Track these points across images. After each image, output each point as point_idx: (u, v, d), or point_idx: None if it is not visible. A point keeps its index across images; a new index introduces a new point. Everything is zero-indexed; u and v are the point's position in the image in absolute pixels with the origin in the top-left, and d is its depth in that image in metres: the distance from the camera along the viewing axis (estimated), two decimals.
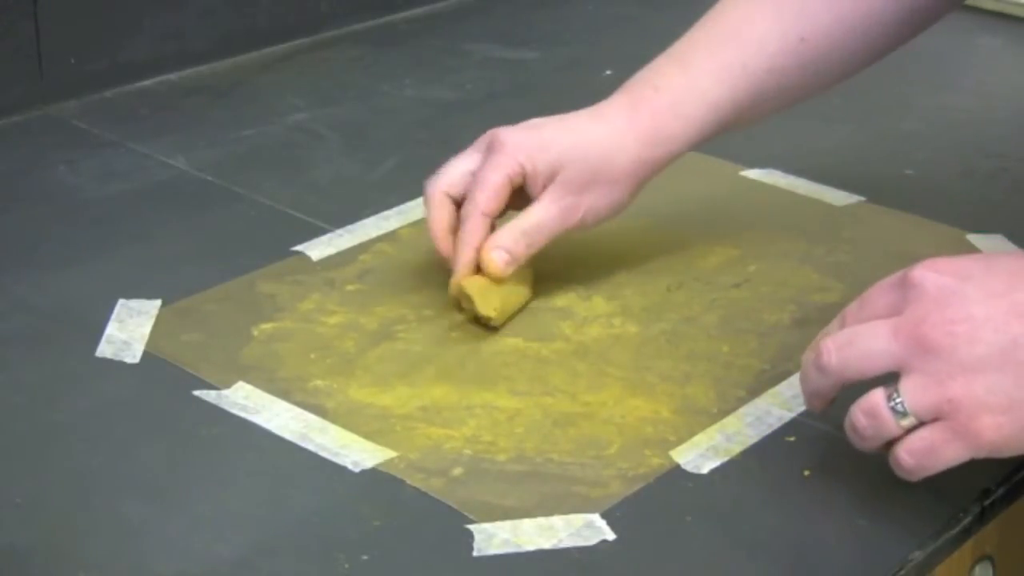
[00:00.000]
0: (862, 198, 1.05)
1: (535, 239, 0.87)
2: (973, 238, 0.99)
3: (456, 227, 0.88)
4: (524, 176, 0.87)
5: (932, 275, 0.69)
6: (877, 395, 0.69)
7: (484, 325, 0.87)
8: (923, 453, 0.68)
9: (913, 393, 0.68)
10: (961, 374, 0.67)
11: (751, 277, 0.95)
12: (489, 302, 0.86)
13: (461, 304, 0.88)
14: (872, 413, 0.69)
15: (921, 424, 0.68)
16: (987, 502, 0.75)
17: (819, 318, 0.90)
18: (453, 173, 0.89)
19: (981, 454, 0.68)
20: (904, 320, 0.69)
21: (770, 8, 0.90)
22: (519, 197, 0.89)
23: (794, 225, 1.01)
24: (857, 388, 0.71)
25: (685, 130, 0.90)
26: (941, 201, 1.05)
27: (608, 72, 1.27)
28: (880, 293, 0.71)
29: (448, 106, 1.21)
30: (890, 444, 0.70)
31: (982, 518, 0.75)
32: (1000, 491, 0.76)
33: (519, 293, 0.89)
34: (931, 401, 0.68)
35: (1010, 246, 0.98)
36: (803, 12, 0.90)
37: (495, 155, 0.87)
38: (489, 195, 0.87)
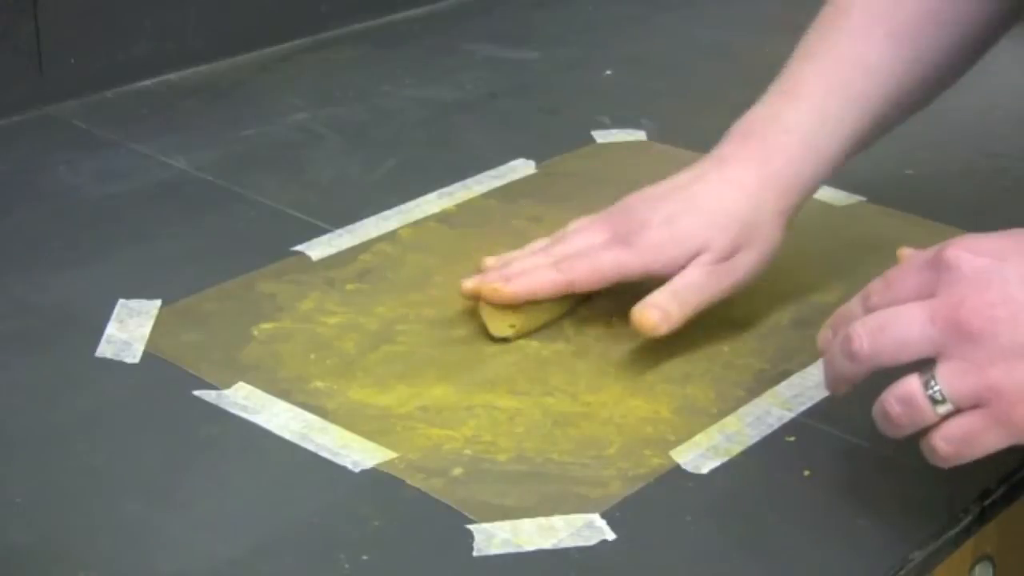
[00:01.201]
0: (862, 198, 1.05)
1: (685, 298, 0.84)
2: None
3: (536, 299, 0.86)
4: (648, 275, 0.85)
5: (968, 255, 0.67)
6: (913, 382, 0.67)
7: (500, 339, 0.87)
8: (961, 441, 0.66)
9: (952, 380, 0.66)
10: (1002, 360, 0.65)
11: None
12: (503, 320, 0.86)
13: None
14: (907, 401, 0.67)
15: (958, 410, 0.66)
16: (987, 502, 0.75)
17: (819, 318, 0.89)
18: (574, 247, 0.86)
19: (1022, 440, 0.66)
20: (941, 304, 0.66)
21: (883, 34, 0.88)
22: None
23: (794, 225, 1.01)
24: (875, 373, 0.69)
25: (820, 168, 0.87)
26: (941, 201, 1.05)
27: (608, 72, 1.28)
28: (910, 273, 0.69)
29: (448, 106, 1.21)
30: (923, 430, 0.68)
31: (982, 518, 0.75)
32: (1000, 491, 0.76)
33: (541, 311, 0.88)
34: (971, 388, 0.65)
35: None
36: (918, 33, 0.88)
37: (622, 247, 0.85)
38: (591, 275, 0.85)
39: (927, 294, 0.67)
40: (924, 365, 0.67)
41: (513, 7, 1.44)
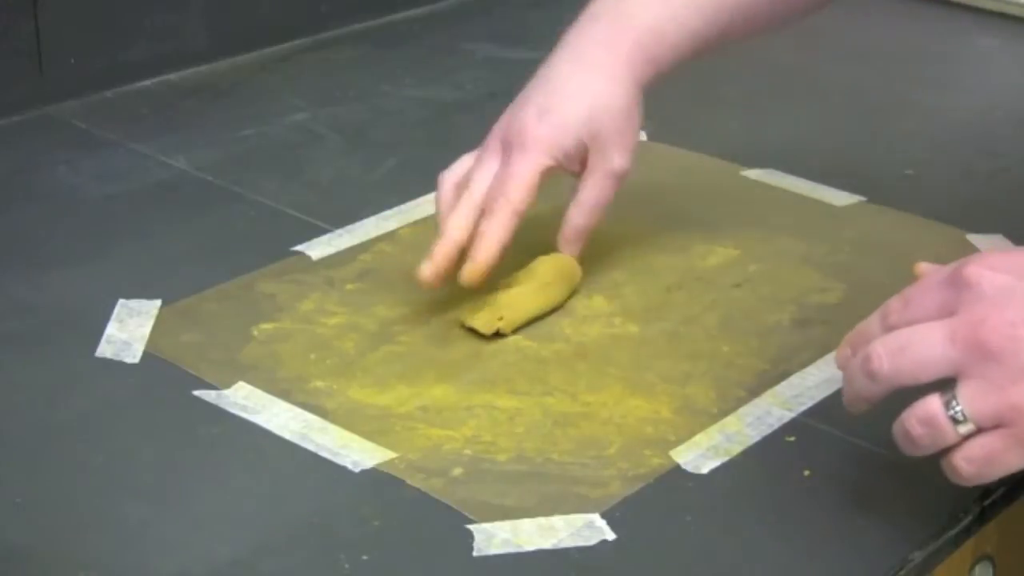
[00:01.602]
0: (862, 198, 1.05)
1: (599, 214, 0.90)
2: (973, 238, 0.99)
3: (465, 241, 0.87)
4: (560, 166, 0.88)
5: (988, 273, 0.66)
6: (934, 403, 0.66)
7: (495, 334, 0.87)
8: (983, 461, 0.66)
9: (973, 400, 0.65)
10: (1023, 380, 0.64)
11: (751, 277, 0.95)
12: (491, 315, 0.86)
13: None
14: (929, 422, 0.66)
15: (979, 430, 0.66)
16: (987, 502, 0.75)
17: (819, 318, 0.90)
18: (488, 181, 0.88)
19: None
20: (961, 323, 0.66)
21: None
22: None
23: (794, 225, 1.01)
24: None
25: (666, 54, 0.90)
26: (941, 201, 1.05)
27: None
28: (929, 291, 0.68)
29: (448, 106, 1.21)
30: (944, 450, 0.67)
31: (982, 518, 0.75)
32: (1000, 491, 0.76)
33: (523, 299, 0.88)
34: (993, 408, 0.65)
35: (1010, 246, 0.98)
36: None
37: (522, 152, 0.87)
38: (523, 194, 0.87)
39: (947, 313, 0.67)
40: (945, 385, 0.67)
41: (513, 7, 1.44)
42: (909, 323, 0.68)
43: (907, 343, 0.67)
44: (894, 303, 0.69)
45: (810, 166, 1.09)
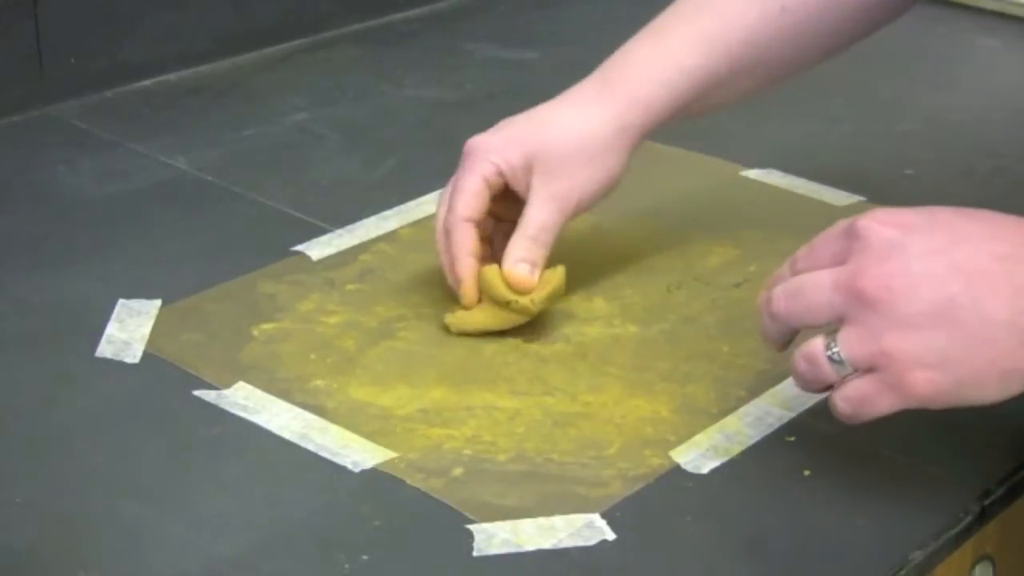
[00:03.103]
0: (862, 198, 1.05)
1: (544, 240, 0.87)
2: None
3: (477, 250, 0.87)
4: (502, 175, 0.87)
5: (876, 226, 0.70)
6: (817, 343, 0.70)
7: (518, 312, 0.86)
8: (857, 401, 0.70)
9: (849, 344, 0.69)
10: (896, 329, 0.68)
11: (751, 277, 0.95)
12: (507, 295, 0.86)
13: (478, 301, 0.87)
14: (811, 360, 0.71)
15: (857, 373, 0.69)
16: (987, 502, 0.75)
17: None
18: (445, 192, 0.88)
19: (913, 406, 0.69)
20: (845, 272, 0.69)
21: None
22: (507, 202, 0.88)
23: (794, 225, 1.01)
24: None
25: (659, 95, 0.89)
26: (941, 201, 1.04)
27: None
28: (828, 241, 0.72)
29: (448, 106, 1.21)
30: (831, 388, 0.71)
31: (982, 518, 0.75)
32: (1000, 491, 0.76)
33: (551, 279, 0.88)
34: (866, 353, 0.69)
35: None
36: (806, 2, 0.90)
37: (467, 161, 0.87)
38: (468, 200, 0.86)
39: (839, 262, 0.71)
40: (833, 328, 0.70)
41: (513, 7, 1.44)
42: (810, 270, 0.72)
43: (800, 288, 0.72)
44: (802, 251, 0.74)
45: (810, 166, 1.09)
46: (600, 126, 0.88)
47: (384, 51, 1.32)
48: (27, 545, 0.70)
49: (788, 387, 0.83)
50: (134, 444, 0.77)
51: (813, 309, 0.71)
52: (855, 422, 0.71)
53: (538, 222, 0.87)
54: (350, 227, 0.99)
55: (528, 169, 0.87)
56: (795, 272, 0.73)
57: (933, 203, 1.03)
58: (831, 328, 0.70)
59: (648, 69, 0.89)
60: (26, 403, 0.81)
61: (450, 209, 0.87)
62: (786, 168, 1.09)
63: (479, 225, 0.87)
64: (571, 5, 1.44)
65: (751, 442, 0.78)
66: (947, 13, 1.31)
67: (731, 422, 0.80)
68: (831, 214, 1.03)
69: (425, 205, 1.02)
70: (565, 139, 0.87)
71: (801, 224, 1.01)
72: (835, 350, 0.70)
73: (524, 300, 0.85)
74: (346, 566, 0.69)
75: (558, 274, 0.87)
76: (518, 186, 0.87)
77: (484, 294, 0.86)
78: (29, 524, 0.71)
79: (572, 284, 0.92)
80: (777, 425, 0.80)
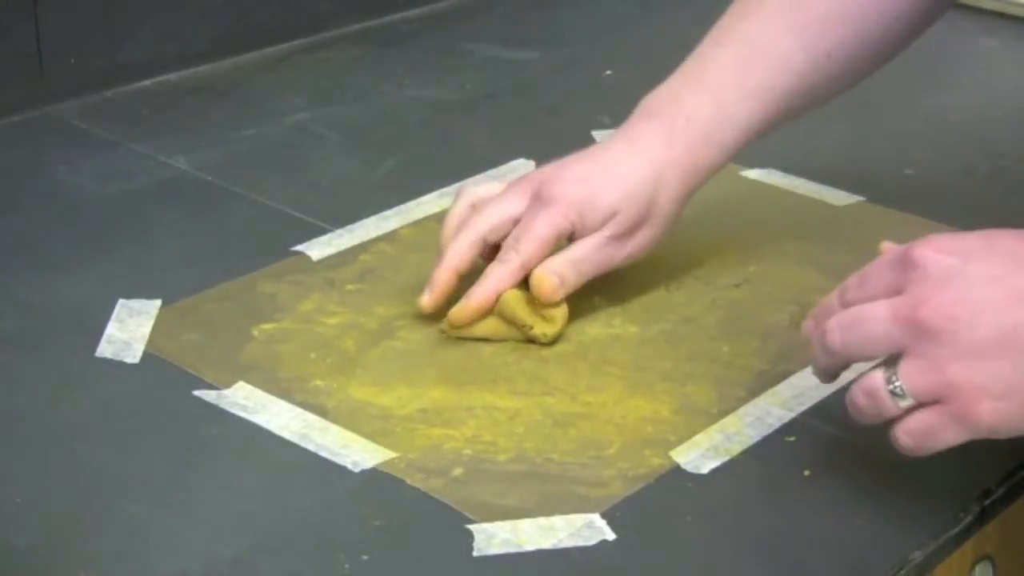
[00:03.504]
0: (862, 198, 1.05)
1: (584, 269, 0.87)
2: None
3: (465, 269, 0.87)
4: (573, 232, 0.87)
5: (933, 255, 0.69)
6: (876, 377, 0.69)
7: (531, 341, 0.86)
8: (921, 435, 0.68)
9: (912, 377, 0.68)
10: (960, 359, 0.67)
11: (751, 277, 0.95)
12: (545, 318, 0.86)
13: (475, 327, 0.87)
14: (871, 394, 0.69)
15: (919, 405, 0.68)
16: (987, 502, 0.75)
17: None
18: (498, 218, 0.88)
19: (980, 436, 0.68)
20: (904, 303, 0.68)
21: (794, 25, 0.90)
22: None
23: (794, 225, 1.01)
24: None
25: (718, 157, 0.90)
26: (941, 201, 1.05)
27: (608, 72, 1.27)
28: (881, 270, 0.71)
29: (448, 106, 1.21)
30: (892, 421, 0.70)
31: (982, 518, 0.75)
32: (1000, 491, 0.76)
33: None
34: (930, 385, 0.67)
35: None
36: (826, 30, 0.90)
37: (547, 209, 0.86)
38: (536, 249, 0.86)
39: (895, 291, 0.69)
40: (891, 360, 0.69)
41: (513, 7, 1.44)
42: (863, 300, 0.71)
43: (857, 320, 0.70)
44: (852, 280, 0.73)
45: (810, 166, 1.09)
46: (667, 191, 0.88)
47: (384, 51, 1.32)
48: (27, 545, 0.70)
49: (788, 387, 0.83)
50: (134, 444, 0.77)
51: (872, 342, 0.69)
52: (919, 455, 0.69)
53: (584, 253, 0.87)
54: (350, 227, 0.99)
55: (597, 225, 0.87)
56: (846, 303, 0.72)
57: (933, 203, 1.04)
58: (887, 359, 0.69)
59: (709, 132, 0.89)
60: (26, 403, 0.81)
61: (515, 248, 0.86)
62: (786, 168, 1.09)
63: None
64: (571, 5, 1.44)
65: (751, 442, 0.78)
66: (947, 13, 1.32)
67: (731, 422, 0.80)
68: (831, 214, 1.03)
69: (425, 205, 1.02)
70: (637, 206, 0.87)
71: (801, 224, 1.02)
72: (897, 384, 0.68)
73: (538, 331, 0.86)
74: (346, 566, 0.69)
75: (563, 310, 0.87)
76: (581, 234, 0.87)
77: (500, 315, 0.86)
78: (29, 524, 0.71)
79: None
80: (777, 425, 0.80)
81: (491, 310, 0.86)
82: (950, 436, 0.68)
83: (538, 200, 0.87)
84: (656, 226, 0.89)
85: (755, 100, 0.90)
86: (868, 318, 0.69)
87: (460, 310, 0.86)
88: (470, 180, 1.05)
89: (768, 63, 0.90)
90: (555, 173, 0.88)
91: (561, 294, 0.86)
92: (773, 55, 0.90)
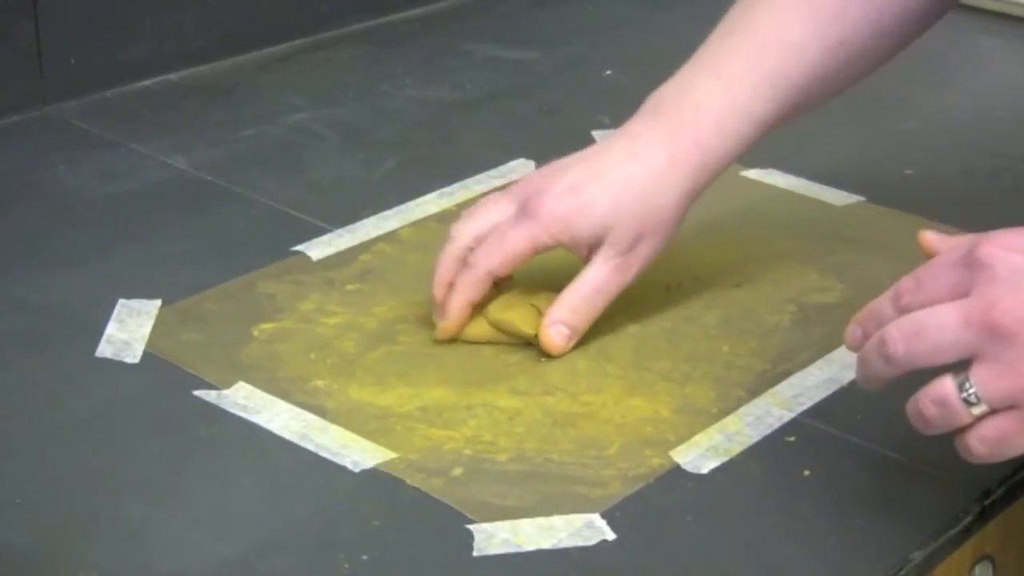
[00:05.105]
0: (862, 198, 1.05)
1: (597, 303, 0.85)
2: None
3: (453, 279, 0.85)
4: (559, 245, 0.84)
5: (1001, 253, 0.66)
6: (947, 385, 0.66)
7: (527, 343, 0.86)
8: (996, 442, 0.66)
9: (987, 382, 0.65)
10: None
11: (751, 277, 0.95)
12: (532, 321, 0.86)
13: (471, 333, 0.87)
14: (942, 403, 0.66)
15: (992, 411, 0.66)
16: (987, 502, 0.75)
17: (819, 318, 0.90)
18: (482, 227, 0.85)
19: None
20: (975, 305, 0.65)
21: (807, 12, 0.87)
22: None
23: (794, 225, 1.01)
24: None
25: (730, 150, 0.86)
26: (941, 201, 1.05)
27: (608, 72, 1.27)
28: (942, 271, 0.68)
29: (448, 106, 1.21)
30: (958, 429, 0.67)
31: (982, 518, 0.75)
32: (1000, 491, 0.76)
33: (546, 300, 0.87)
34: (1006, 390, 0.65)
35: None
36: (841, 17, 0.87)
37: (527, 220, 0.84)
38: (505, 259, 0.84)
39: (960, 294, 0.66)
40: (958, 365, 0.67)
41: (513, 7, 1.43)
42: (922, 305, 0.67)
43: (922, 326, 0.67)
44: (906, 284, 0.69)
45: (810, 166, 1.09)
46: (672, 198, 0.85)
47: (384, 51, 1.32)
48: (27, 545, 0.70)
49: (788, 387, 0.83)
50: (134, 444, 0.77)
51: (941, 349, 0.66)
52: (990, 462, 0.67)
53: (595, 283, 0.85)
54: (350, 227, 0.99)
55: (596, 240, 0.84)
56: (901, 308, 0.68)
57: (933, 203, 1.04)
58: (954, 366, 0.66)
59: (722, 123, 0.85)
60: (26, 403, 0.81)
61: (483, 251, 0.84)
62: (786, 168, 1.09)
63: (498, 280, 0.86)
64: (571, 5, 1.44)
65: (751, 442, 0.78)
66: (947, 13, 1.32)
67: (731, 422, 0.80)
68: (831, 214, 1.03)
69: (425, 205, 1.02)
70: (638, 213, 0.84)
71: (801, 224, 1.02)
72: (971, 391, 0.65)
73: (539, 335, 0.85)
74: (346, 566, 0.69)
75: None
76: (579, 253, 0.85)
77: (502, 330, 0.86)
78: (29, 524, 0.71)
79: None
80: (777, 425, 0.80)
81: (472, 317, 0.86)
82: None
83: (523, 212, 0.84)
84: (657, 235, 0.86)
85: (769, 89, 0.86)
86: (935, 325, 0.66)
87: (443, 329, 0.85)
88: (470, 180, 1.05)
89: (782, 52, 0.87)
90: (545, 183, 0.85)
91: (573, 342, 0.85)
92: (786, 44, 0.87)
